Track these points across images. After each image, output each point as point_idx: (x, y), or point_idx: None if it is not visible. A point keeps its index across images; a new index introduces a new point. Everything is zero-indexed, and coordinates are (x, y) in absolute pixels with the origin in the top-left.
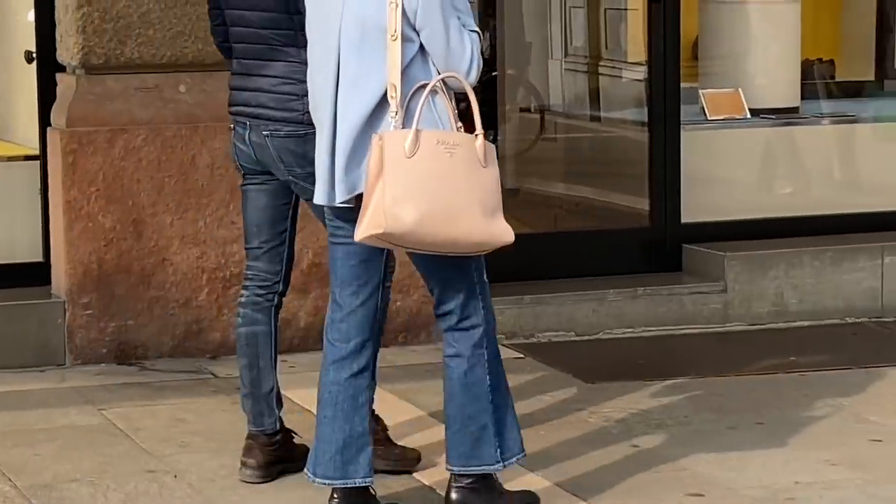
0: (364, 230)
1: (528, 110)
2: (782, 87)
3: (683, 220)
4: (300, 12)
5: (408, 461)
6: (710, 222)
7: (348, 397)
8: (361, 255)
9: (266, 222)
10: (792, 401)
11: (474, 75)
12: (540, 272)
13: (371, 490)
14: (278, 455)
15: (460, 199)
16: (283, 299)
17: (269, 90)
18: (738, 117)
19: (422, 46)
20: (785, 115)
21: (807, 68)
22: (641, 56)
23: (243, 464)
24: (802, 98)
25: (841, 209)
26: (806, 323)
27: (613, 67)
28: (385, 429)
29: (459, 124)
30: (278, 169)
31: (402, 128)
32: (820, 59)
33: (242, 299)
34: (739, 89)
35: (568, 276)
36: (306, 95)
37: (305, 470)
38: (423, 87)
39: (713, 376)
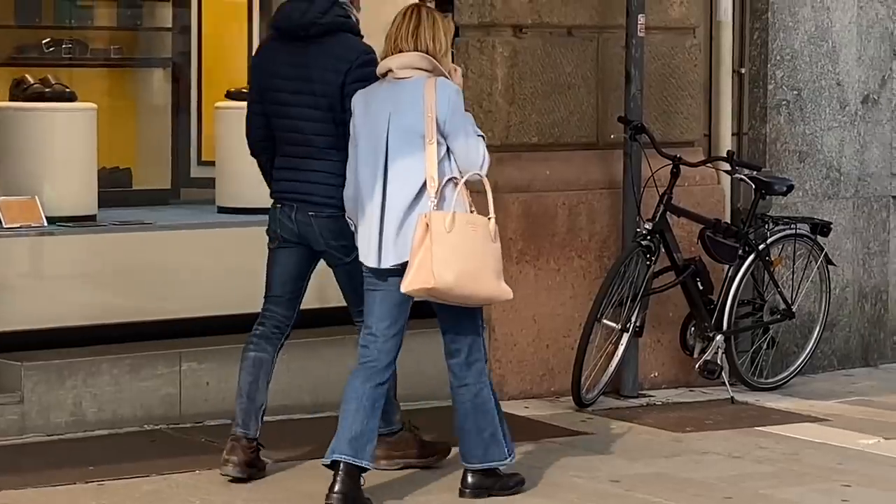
0: (412, 283)
1: None
2: (79, 195)
3: None
4: (343, 123)
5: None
6: (7, 332)
7: (371, 401)
8: (396, 300)
9: (291, 278)
10: None
11: (486, 168)
12: None
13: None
14: (254, 458)
15: (481, 265)
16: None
17: (316, 182)
18: (34, 224)
19: (447, 148)
20: (83, 223)
21: (104, 176)
22: None
23: (227, 461)
24: (100, 206)
25: (140, 316)
26: (105, 431)
27: None
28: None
29: (473, 209)
30: (318, 242)
31: (438, 210)
32: (117, 167)
33: (258, 332)
34: (36, 197)
35: None
36: (342, 186)
37: (327, 455)
38: (451, 180)
39: (12, 489)
